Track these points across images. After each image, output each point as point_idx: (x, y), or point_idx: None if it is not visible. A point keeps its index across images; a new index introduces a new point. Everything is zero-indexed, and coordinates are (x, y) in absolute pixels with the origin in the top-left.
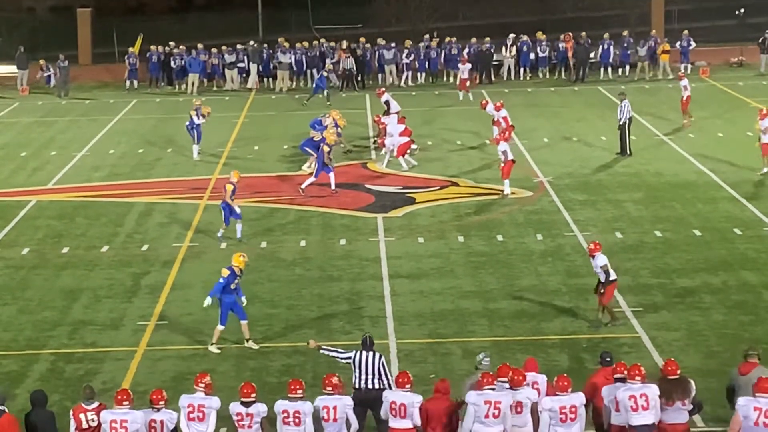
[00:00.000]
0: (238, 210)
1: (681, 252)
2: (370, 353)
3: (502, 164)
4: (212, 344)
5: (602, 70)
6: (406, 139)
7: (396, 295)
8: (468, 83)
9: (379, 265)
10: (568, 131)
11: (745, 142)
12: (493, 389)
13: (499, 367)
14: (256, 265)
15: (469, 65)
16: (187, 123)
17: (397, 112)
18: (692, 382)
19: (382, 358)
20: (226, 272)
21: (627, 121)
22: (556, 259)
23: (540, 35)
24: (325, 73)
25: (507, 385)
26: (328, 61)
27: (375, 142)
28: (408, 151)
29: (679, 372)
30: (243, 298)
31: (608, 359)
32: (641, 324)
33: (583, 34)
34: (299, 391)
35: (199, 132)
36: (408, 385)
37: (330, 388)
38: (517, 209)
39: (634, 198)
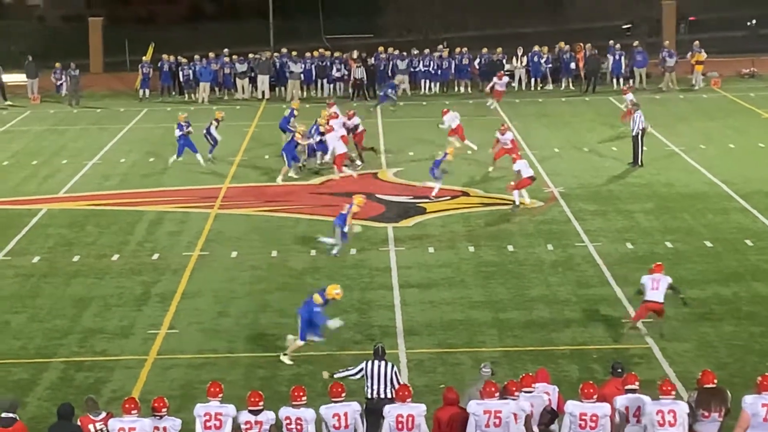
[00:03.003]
0: (347, 230)
1: (692, 263)
2: (383, 362)
3: (513, 182)
4: (285, 354)
5: (614, 80)
6: (344, 149)
7: (406, 304)
8: (503, 94)
9: (390, 274)
10: (579, 141)
11: (757, 153)
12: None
13: (523, 377)
14: (267, 274)
15: (507, 78)
16: (204, 130)
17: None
18: (728, 392)
19: (395, 368)
20: (320, 300)
21: (640, 132)
22: (567, 270)
23: (562, 45)
24: (396, 82)
25: (532, 394)
26: (398, 74)
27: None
28: (347, 162)
29: (716, 381)
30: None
31: (619, 370)
32: (651, 335)
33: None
34: (302, 398)
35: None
36: (409, 399)
37: (336, 396)
38: (527, 219)
39: (644, 208)
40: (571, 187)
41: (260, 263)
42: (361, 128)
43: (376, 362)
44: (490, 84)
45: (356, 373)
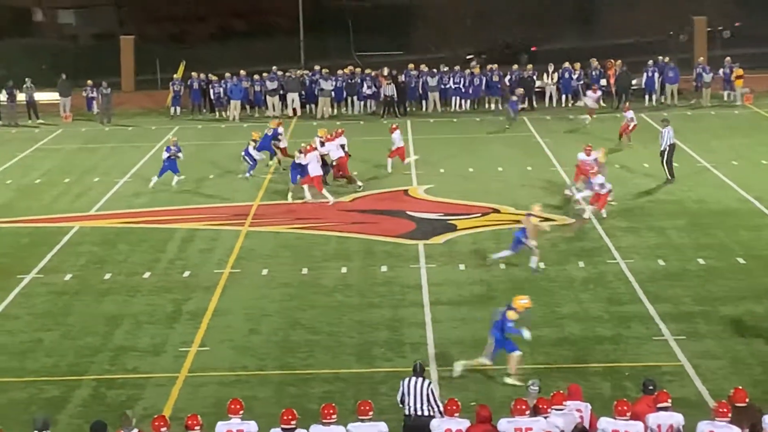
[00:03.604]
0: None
1: (724, 280)
2: (419, 379)
3: (593, 195)
4: (509, 375)
5: (646, 96)
6: (320, 173)
7: (437, 322)
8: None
9: (420, 292)
10: (610, 158)
11: None
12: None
13: (553, 395)
14: (298, 292)
15: (598, 93)
16: (243, 151)
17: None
18: (761, 410)
19: (431, 385)
20: (514, 315)
21: (668, 148)
22: (598, 287)
23: (593, 62)
24: (515, 98)
25: (563, 412)
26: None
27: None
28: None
29: (747, 400)
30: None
31: (651, 387)
32: (684, 352)
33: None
34: (332, 416)
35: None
36: (457, 413)
37: (364, 415)
38: (558, 236)
39: (676, 225)
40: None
41: (291, 281)
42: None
43: (413, 379)
44: (583, 100)
45: (399, 394)
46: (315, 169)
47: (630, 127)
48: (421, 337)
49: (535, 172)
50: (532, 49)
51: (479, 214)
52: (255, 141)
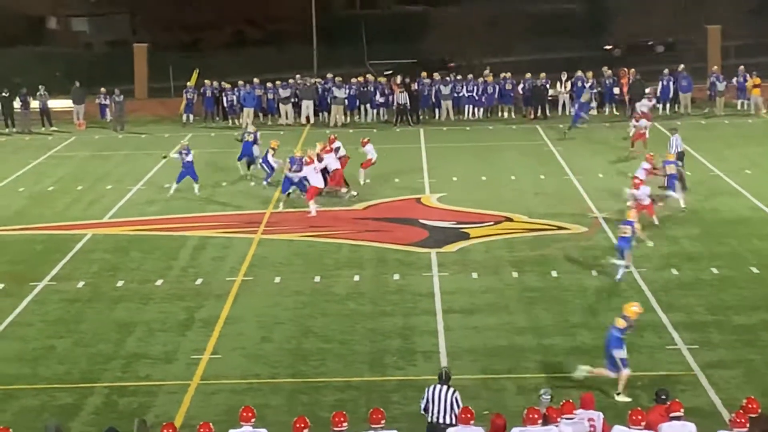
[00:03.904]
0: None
1: (738, 289)
2: (444, 387)
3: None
4: (618, 393)
5: (660, 105)
6: (320, 185)
7: (449, 330)
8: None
9: (433, 300)
10: (623, 167)
11: None
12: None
13: (563, 404)
14: (310, 300)
15: (653, 101)
16: (261, 159)
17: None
18: None
19: (456, 393)
20: (622, 323)
21: (676, 156)
22: (612, 296)
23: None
24: (584, 100)
25: (573, 421)
26: (587, 89)
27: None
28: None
29: (760, 410)
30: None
31: (663, 397)
32: (697, 361)
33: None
34: (343, 424)
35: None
36: (472, 421)
37: (376, 423)
38: (572, 245)
39: (689, 234)
40: (615, 212)
41: (303, 288)
42: (341, 155)
43: (438, 386)
44: (637, 107)
45: (423, 402)
46: (316, 180)
47: (645, 134)
48: (434, 346)
49: (548, 181)
50: (449, 65)
51: (492, 223)
52: (274, 149)
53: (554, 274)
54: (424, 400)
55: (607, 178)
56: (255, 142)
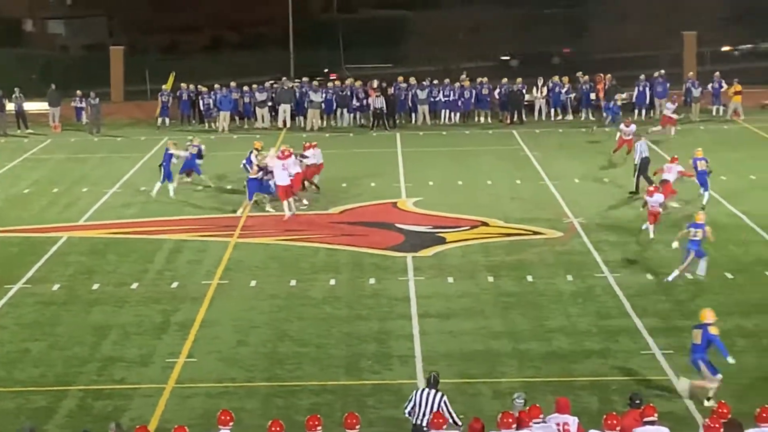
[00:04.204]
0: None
1: (713, 294)
2: (432, 391)
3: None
4: (708, 399)
5: (635, 111)
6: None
7: (425, 334)
8: (675, 120)
9: (409, 304)
10: (599, 172)
11: None
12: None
13: (530, 408)
14: (286, 303)
15: (676, 104)
16: (245, 160)
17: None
18: (742, 425)
19: (444, 397)
20: (716, 329)
21: (640, 162)
22: (587, 300)
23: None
24: (618, 99)
25: (543, 425)
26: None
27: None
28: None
29: (730, 414)
30: (729, 359)
31: (638, 401)
32: (672, 366)
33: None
34: (317, 428)
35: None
36: (444, 426)
37: (351, 428)
38: (547, 250)
39: (665, 239)
40: (591, 217)
41: (279, 292)
42: (315, 162)
43: (426, 390)
44: (661, 109)
45: (408, 404)
46: (282, 178)
47: (629, 142)
48: (409, 350)
49: (524, 186)
50: (331, 76)
51: (468, 227)
52: (258, 149)
53: (530, 278)
54: (411, 403)
55: (583, 184)
56: (199, 155)
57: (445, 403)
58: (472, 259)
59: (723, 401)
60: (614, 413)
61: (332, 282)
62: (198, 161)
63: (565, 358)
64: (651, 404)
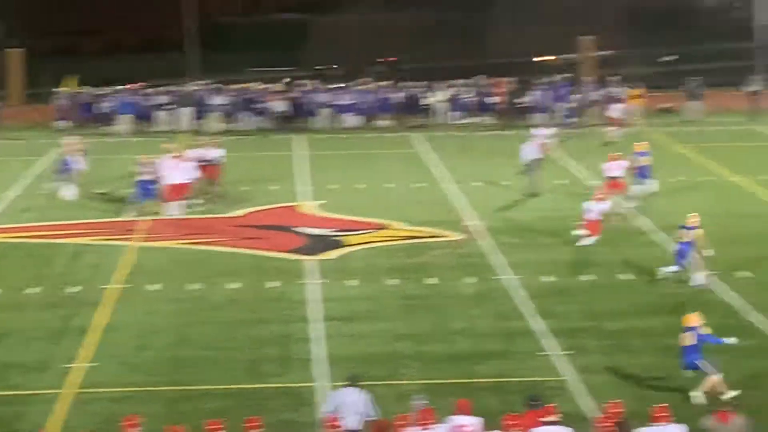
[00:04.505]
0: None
1: (609, 295)
2: (355, 390)
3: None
4: (722, 394)
5: (534, 115)
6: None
7: (328, 337)
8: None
9: (311, 307)
10: (499, 175)
11: (675, 186)
12: None
13: (422, 411)
14: (188, 307)
15: (624, 105)
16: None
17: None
18: (630, 425)
19: (368, 396)
20: (707, 328)
21: (531, 162)
22: (488, 302)
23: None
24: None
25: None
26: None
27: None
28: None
29: (621, 414)
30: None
31: (536, 402)
32: (570, 367)
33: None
34: None
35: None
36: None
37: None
38: (449, 252)
39: (563, 241)
40: (492, 220)
41: (181, 296)
42: (216, 163)
43: (349, 389)
44: (608, 112)
45: (329, 406)
46: (174, 178)
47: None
48: (312, 353)
49: (425, 189)
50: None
51: (369, 230)
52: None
53: (432, 281)
54: (332, 404)
55: (484, 187)
56: (74, 161)
57: (369, 402)
58: (374, 262)
59: (616, 401)
60: (513, 414)
61: (235, 285)
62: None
63: (467, 359)
64: (550, 405)
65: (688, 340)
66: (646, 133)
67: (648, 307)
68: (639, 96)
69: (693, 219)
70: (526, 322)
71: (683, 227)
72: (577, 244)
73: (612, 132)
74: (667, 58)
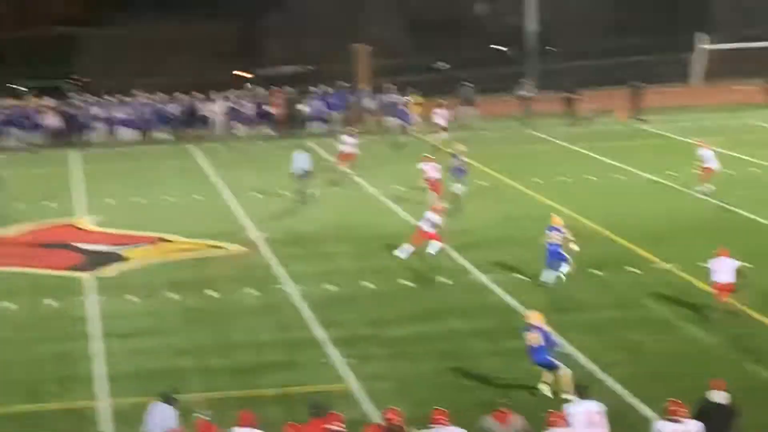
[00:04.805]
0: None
1: (392, 302)
2: (164, 406)
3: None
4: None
5: (312, 123)
6: None
7: (109, 354)
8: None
9: (91, 325)
10: (279, 186)
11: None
12: None
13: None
14: None
15: (447, 111)
16: None
17: None
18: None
19: (176, 412)
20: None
21: (301, 172)
22: (270, 314)
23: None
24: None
25: None
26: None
27: None
28: None
29: (397, 420)
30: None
31: (319, 410)
32: (354, 375)
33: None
34: None
35: None
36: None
37: None
38: (230, 264)
39: (345, 251)
40: (273, 231)
41: None
42: None
43: (159, 405)
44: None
45: (145, 426)
46: None
47: (350, 155)
48: (94, 371)
49: (205, 201)
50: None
51: (149, 244)
52: None
53: (213, 293)
54: (146, 424)
55: (264, 197)
56: None
57: (174, 418)
58: (154, 276)
59: (394, 408)
60: (294, 423)
61: (10, 306)
62: None
63: (249, 371)
64: (334, 412)
65: (535, 338)
66: (422, 140)
67: (429, 312)
68: (417, 103)
69: (558, 220)
70: (309, 332)
71: (553, 229)
72: (427, 251)
73: (437, 136)
74: (440, 66)
